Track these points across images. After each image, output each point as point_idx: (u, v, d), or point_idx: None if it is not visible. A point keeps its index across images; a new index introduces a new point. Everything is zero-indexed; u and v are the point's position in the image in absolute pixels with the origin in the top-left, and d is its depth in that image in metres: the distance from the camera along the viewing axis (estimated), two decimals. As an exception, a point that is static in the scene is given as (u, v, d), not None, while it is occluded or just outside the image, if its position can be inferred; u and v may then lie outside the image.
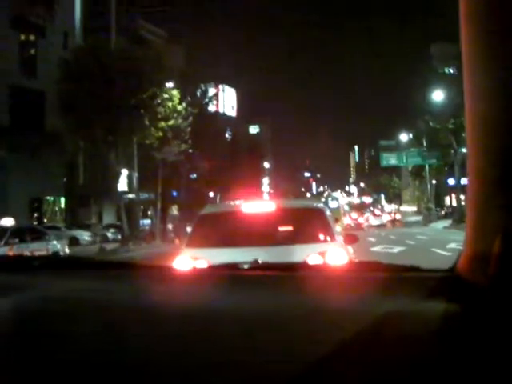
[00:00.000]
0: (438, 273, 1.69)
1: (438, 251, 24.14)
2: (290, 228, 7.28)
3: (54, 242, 24.55)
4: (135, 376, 1.34)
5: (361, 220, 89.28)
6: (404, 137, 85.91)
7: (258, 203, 7.51)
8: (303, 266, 2.12)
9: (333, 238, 6.93)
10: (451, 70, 55.56)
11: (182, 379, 1.31)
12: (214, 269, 2.12)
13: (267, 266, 2.06)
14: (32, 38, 47.75)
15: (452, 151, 58.56)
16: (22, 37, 46.98)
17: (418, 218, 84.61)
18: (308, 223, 7.23)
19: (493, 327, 1.22)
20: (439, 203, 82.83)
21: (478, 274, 1.35)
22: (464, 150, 56.11)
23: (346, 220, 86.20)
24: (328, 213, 7.57)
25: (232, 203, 8.48)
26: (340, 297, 1.52)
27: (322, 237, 7.00)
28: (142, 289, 1.75)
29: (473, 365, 1.17)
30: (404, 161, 73.35)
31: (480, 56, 1.27)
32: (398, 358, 1.22)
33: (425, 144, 67.79)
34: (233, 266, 2.11)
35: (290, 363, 1.27)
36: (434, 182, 79.77)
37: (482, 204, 1.35)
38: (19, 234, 22.72)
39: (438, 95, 57.09)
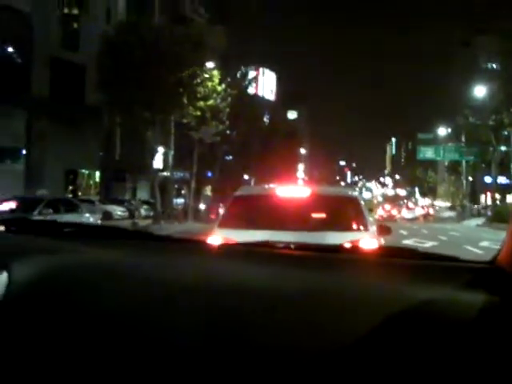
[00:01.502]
0: (478, 264, 1.67)
1: (471, 248, 23.92)
2: (323, 215, 7.24)
3: (87, 215, 24.70)
4: (163, 348, 1.35)
5: (394, 212, 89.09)
6: (442, 131, 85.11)
7: (293, 188, 7.46)
8: (339, 248, 2.07)
9: (366, 228, 6.87)
10: (494, 66, 54.82)
11: (209, 352, 1.31)
12: (248, 245, 2.08)
13: (301, 246, 2.02)
14: (75, 11, 48.10)
15: (491, 149, 57.82)
16: (66, 10, 47.34)
17: (452, 213, 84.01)
18: (342, 211, 7.19)
19: None
20: (474, 200, 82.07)
21: None
22: (503, 148, 55.53)
23: (379, 211, 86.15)
24: (362, 202, 7.51)
25: (267, 186, 8.42)
26: (376, 281, 1.49)
27: (355, 226, 6.95)
28: (172, 261, 1.73)
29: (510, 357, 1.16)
30: (441, 155, 72.65)
31: None
32: (435, 345, 1.21)
33: (463, 140, 67.08)
34: (266, 245, 2.09)
35: (316, 343, 1.28)
36: (470, 178, 79.09)
37: None
38: (53, 204, 22.92)
39: (479, 91, 56.35)
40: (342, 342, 1.26)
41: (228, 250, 2.04)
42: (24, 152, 42.38)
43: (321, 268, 1.61)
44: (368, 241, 6.57)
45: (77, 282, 1.60)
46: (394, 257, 1.82)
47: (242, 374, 1.29)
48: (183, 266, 1.67)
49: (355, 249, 1.95)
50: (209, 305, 1.45)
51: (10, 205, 21.77)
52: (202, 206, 54.09)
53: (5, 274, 1.57)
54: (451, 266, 1.67)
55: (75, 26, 48.05)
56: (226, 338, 1.34)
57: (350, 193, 8.04)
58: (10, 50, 42.68)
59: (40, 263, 1.66)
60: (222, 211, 8.47)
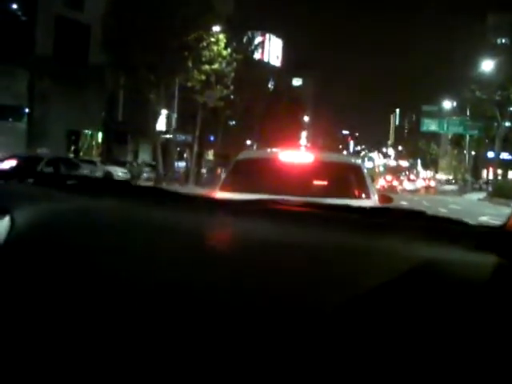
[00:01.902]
0: (489, 229, 1.67)
1: (471, 222, 23.91)
2: (325, 181, 7.20)
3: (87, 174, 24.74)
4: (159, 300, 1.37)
5: (395, 183, 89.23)
6: (447, 104, 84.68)
7: (296, 153, 7.41)
8: (347, 208, 2.04)
9: (368, 196, 6.84)
10: (504, 41, 54.52)
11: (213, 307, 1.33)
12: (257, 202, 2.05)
13: (310, 205, 1.99)
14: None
15: (495, 124, 57.69)
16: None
17: (453, 187, 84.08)
18: (344, 179, 7.14)
19: None
20: (476, 175, 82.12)
21: None
22: (508, 124, 55.43)
23: (381, 181, 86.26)
24: (365, 170, 7.46)
25: (269, 150, 8.37)
26: (383, 240, 1.47)
27: (357, 193, 6.92)
28: (179, 214, 1.73)
29: None
30: (445, 128, 72.50)
31: None
32: (444, 305, 1.22)
33: (468, 114, 66.89)
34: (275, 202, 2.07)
35: (321, 301, 1.29)
36: (472, 153, 79.03)
37: None
38: (53, 163, 23.03)
39: (487, 65, 55.99)
40: (347, 298, 1.27)
41: (234, 204, 2.01)
42: (26, 111, 42.31)
43: (332, 226, 1.61)
44: None
45: (79, 228, 1.62)
46: (404, 218, 1.81)
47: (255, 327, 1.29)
48: (192, 219, 1.67)
49: (363, 209, 1.92)
50: (217, 258, 1.46)
51: (11, 163, 21.83)
52: (204, 170, 54.19)
53: (7, 218, 1.59)
54: (461, 229, 1.67)
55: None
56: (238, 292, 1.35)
57: (352, 160, 8.01)
58: (14, 7, 42.38)
59: (42, 209, 1.69)
60: (223, 175, 8.42)
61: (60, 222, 1.65)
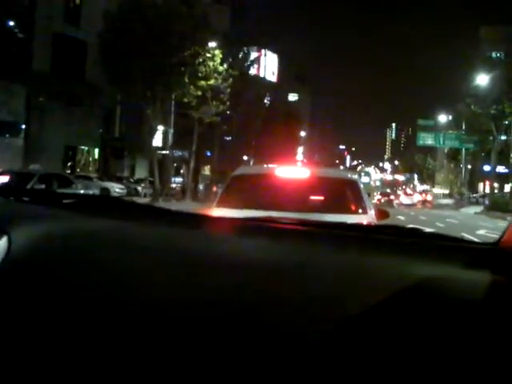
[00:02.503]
0: (483, 245, 1.66)
1: (468, 236, 23.92)
2: (322, 197, 7.21)
3: (81, 191, 24.58)
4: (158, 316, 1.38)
5: (391, 197, 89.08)
6: (443, 118, 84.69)
7: (293, 169, 7.42)
8: (341, 225, 2.07)
9: (365, 211, 6.83)
10: (498, 55, 54.62)
11: (212, 328, 1.34)
12: (247, 220, 2.07)
13: (304, 222, 2.02)
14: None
15: (491, 137, 57.68)
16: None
17: (449, 201, 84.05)
18: (341, 194, 7.13)
19: None
20: (472, 189, 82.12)
21: None
22: (503, 138, 55.46)
23: (377, 196, 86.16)
24: (361, 185, 7.49)
25: (266, 166, 8.38)
26: (379, 257, 1.49)
27: (353, 208, 6.92)
28: (172, 232, 1.73)
29: None
30: (441, 142, 72.65)
31: None
32: (438, 322, 1.23)
33: (464, 127, 66.94)
34: (267, 219, 2.08)
35: (312, 321, 1.29)
36: (469, 166, 79.07)
37: None
38: (46, 179, 22.78)
39: (482, 79, 56.07)
40: (341, 316, 1.28)
41: (230, 223, 2.03)
42: (23, 127, 42.33)
43: (324, 243, 1.61)
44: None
45: (75, 249, 1.61)
46: (398, 234, 1.82)
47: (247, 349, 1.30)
48: (184, 238, 1.67)
49: (358, 226, 1.95)
50: (209, 278, 1.46)
51: (3, 179, 21.66)
52: (201, 186, 54.08)
53: (5, 239, 1.58)
54: (456, 246, 1.66)
55: (77, 1, 47.79)
56: (227, 314, 1.36)
57: (349, 175, 8.00)
58: (12, 24, 42.51)
59: (40, 230, 1.67)
60: (220, 191, 8.42)
61: (58, 243, 1.65)
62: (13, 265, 1.55)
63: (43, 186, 21.79)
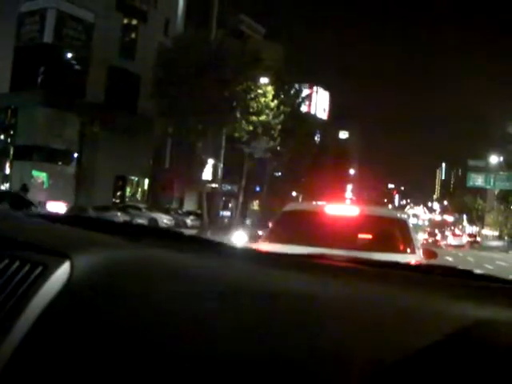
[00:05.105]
0: None
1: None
2: (371, 235, 7.17)
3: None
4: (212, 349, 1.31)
5: (438, 237, 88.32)
6: (494, 159, 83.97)
7: (342, 206, 7.43)
8: (395, 264, 2.02)
9: (413, 251, 6.79)
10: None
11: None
12: (303, 257, 2.03)
13: (357, 261, 1.97)
14: (134, 22, 48.79)
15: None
16: (125, 20, 48.03)
17: (499, 243, 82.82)
18: (390, 233, 7.11)
19: None
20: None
21: None
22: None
23: (424, 236, 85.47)
24: (410, 225, 7.43)
25: (315, 203, 8.38)
26: (430, 298, 1.42)
27: (402, 248, 6.86)
28: (230, 266, 1.70)
29: None
30: (491, 183, 71.87)
31: None
32: (487, 368, 1.15)
33: (515, 169, 66.26)
34: (322, 257, 2.05)
35: (360, 355, 1.23)
36: (520, 208, 78.09)
37: None
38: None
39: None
40: (389, 357, 1.21)
41: (283, 259, 2.00)
42: (76, 155, 43.05)
43: (379, 281, 1.56)
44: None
45: (136, 278, 1.60)
46: (450, 275, 1.75)
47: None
48: (240, 272, 1.64)
49: (412, 266, 1.90)
50: (266, 311, 1.39)
51: (58, 206, 21.91)
52: (248, 221, 54.12)
53: (67, 263, 1.58)
54: (509, 288, 1.59)
55: (133, 35, 48.74)
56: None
57: (398, 215, 7.95)
58: (69, 56, 43.51)
59: (102, 257, 1.68)
60: (270, 225, 8.43)
61: (119, 271, 1.65)
62: (75, 289, 1.54)
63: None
